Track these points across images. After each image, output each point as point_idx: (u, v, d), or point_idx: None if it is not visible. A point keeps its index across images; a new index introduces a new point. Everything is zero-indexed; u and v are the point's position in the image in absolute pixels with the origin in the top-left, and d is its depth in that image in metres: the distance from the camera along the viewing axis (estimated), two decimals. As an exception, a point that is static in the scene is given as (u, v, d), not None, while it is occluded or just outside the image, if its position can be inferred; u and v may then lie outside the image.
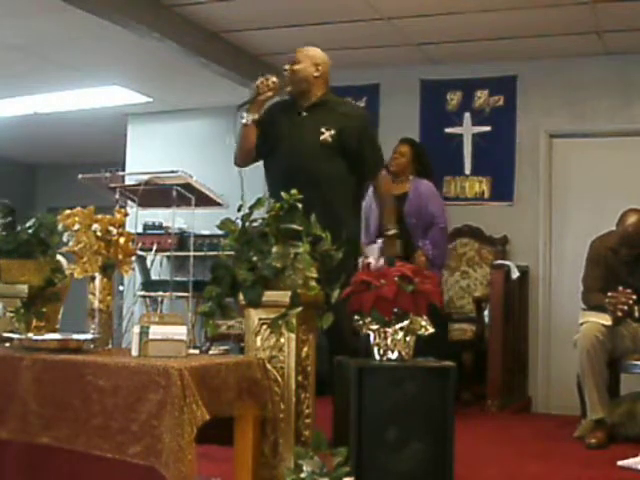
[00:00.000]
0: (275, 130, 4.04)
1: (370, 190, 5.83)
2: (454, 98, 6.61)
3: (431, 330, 3.15)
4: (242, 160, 4.17)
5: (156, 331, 2.64)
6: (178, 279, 6.32)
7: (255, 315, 2.88)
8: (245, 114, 4.01)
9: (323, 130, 3.97)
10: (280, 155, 4.03)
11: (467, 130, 6.56)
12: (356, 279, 3.22)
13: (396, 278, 3.12)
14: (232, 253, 2.92)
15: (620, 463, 3.97)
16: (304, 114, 4.06)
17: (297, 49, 4.15)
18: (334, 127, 3.98)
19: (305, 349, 2.91)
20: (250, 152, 4.11)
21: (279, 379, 2.85)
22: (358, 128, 4.07)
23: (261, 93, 3.97)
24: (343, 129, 4.00)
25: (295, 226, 2.88)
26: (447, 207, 6.31)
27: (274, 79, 3.99)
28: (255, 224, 2.93)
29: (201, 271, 6.29)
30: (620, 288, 4.50)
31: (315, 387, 2.99)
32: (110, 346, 2.89)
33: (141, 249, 6.34)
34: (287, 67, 4.07)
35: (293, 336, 2.84)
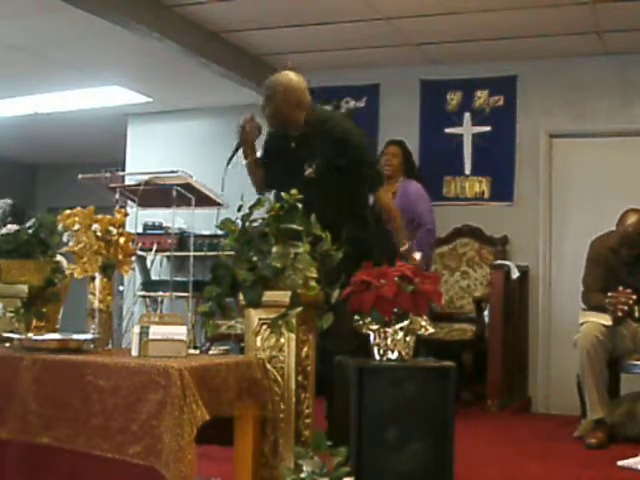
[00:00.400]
0: (272, 159, 4.11)
1: None
2: (454, 98, 6.61)
3: (431, 330, 3.15)
4: (262, 190, 4.22)
5: (156, 331, 2.64)
6: (178, 279, 6.32)
7: (255, 315, 2.88)
8: (242, 160, 4.12)
9: (305, 167, 3.98)
10: (281, 188, 4.05)
11: (467, 130, 6.56)
12: (356, 279, 3.22)
13: (396, 278, 3.12)
14: (232, 253, 2.92)
15: (620, 463, 3.97)
16: (292, 145, 4.06)
17: (268, 88, 4.04)
18: (316, 160, 3.96)
19: (305, 349, 2.91)
20: (264, 182, 4.18)
21: (279, 379, 2.85)
22: (343, 148, 3.98)
23: (246, 139, 4.07)
24: (326, 158, 3.96)
25: (295, 226, 2.88)
26: (447, 207, 6.35)
27: (256, 122, 4.05)
28: (255, 224, 2.93)
29: (201, 271, 6.29)
30: (620, 288, 4.50)
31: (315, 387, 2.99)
32: (110, 346, 2.89)
33: (141, 249, 6.34)
34: (267, 116, 4.05)
35: (293, 336, 2.84)
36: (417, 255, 5.17)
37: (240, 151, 4.14)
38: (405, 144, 5.79)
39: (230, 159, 4.11)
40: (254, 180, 4.20)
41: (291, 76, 4.04)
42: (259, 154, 4.19)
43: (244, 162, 4.11)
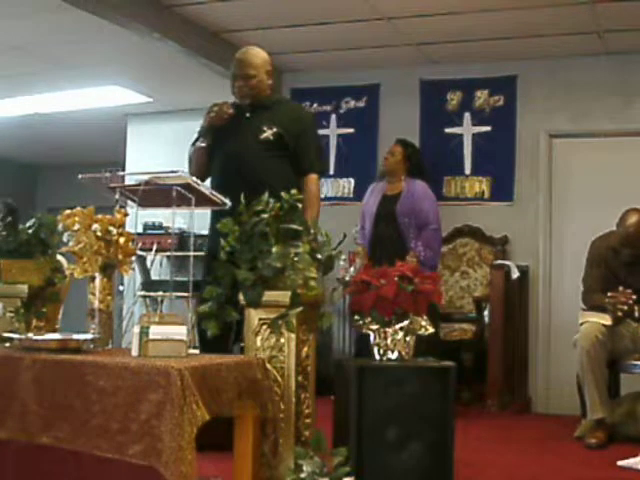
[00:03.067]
0: (221, 134, 4.05)
1: (369, 189, 5.86)
2: (454, 98, 6.61)
3: (431, 330, 3.15)
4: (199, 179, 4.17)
5: (156, 331, 2.64)
6: (178, 279, 6.31)
7: (255, 315, 2.88)
8: (200, 139, 4.09)
9: (265, 128, 3.97)
10: (220, 157, 4.04)
11: (467, 130, 6.56)
12: (356, 279, 3.22)
13: (396, 278, 3.12)
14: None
15: (620, 463, 3.97)
16: (247, 115, 4.06)
17: (242, 58, 4.11)
18: (277, 126, 3.98)
19: (305, 349, 2.91)
20: (206, 171, 4.09)
21: (279, 379, 2.85)
22: (300, 129, 4.05)
23: (216, 122, 4.03)
24: (286, 129, 3.99)
25: (295, 226, 2.88)
26: (447, 207, 6.35)
27: (229, 108, 4.02)
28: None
29: (201, 271, 6.28)
30: (620, 288, 4.50)
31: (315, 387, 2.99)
32: (110, 346, 2.89)
33: (141, 249, 6.34)
34: (242, 84, 4.06)
35: (293, 336, 2.84)
36: (414, 259, 5.20)
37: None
38: (408, 143, 5.77)
39: (195, 141, 4.11)
40: (197, 167, 4.10)
41: (261, 49, 4.17)
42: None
43: (202, 145, 4.06)
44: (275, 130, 3.97)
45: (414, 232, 5.36)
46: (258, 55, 4.13)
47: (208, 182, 4.06)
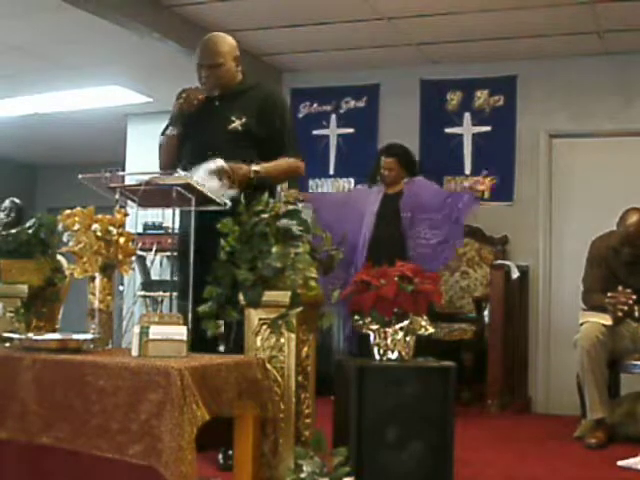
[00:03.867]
0: (191, 122, 3.90)
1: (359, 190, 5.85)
2: (454, 98, 6.61)
3: (431, 330, 3.16)
4: (169, 168, 3.97)
5: (156, 331, 2.64)
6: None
7: (255, 315, 2.88)
8: (170, 128, 3.93)
9: (233, 118, 3.82)
10: (189, 146, 3.90)
11: (467, 130, 6.56)
12: (356, 279, 3.22)
13: (396, 278, 3.12)
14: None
15: (620, 463, 3.97)
16: (217, 103, 3.90)
17: (206, 46, 3.91)
18: (246, 115, 3.83)
19: (305, 349, 2.91)
20: (175, 161, 3.95)
21: (279, 379, 2.85)
22: (272, 116, 3.88)
23: (185, 109, 3.87)
24: (257, 118, 3.84)
25: (295, 226, 2.88)
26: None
27: (199, 94, 3.86)
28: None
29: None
30: (620, 288, 4.50)
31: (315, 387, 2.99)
32: (110, 346, 2.89)
33: (141, 249, 6.33)
34: (208, 74, 3.87)
35: (293, 336, 2.84)
36: None
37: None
38: (398, 151, 5.66)
39: (165, 130, 3.95)
40: (167, 156, 3.95)
41: (224, 34, 3.97)
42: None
43: (172, 133, 3.90)
44: (244, 120, 3.82)
45: (414, 226, 5.36)
46: (224, 42, 3.90)
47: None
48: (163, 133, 3.99)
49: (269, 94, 4.01)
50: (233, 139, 3.82)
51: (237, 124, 3.83)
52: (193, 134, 3.89)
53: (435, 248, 5.34)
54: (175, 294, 3.54)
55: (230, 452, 3.15)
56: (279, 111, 3.95)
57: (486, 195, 6.48)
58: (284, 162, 3.85)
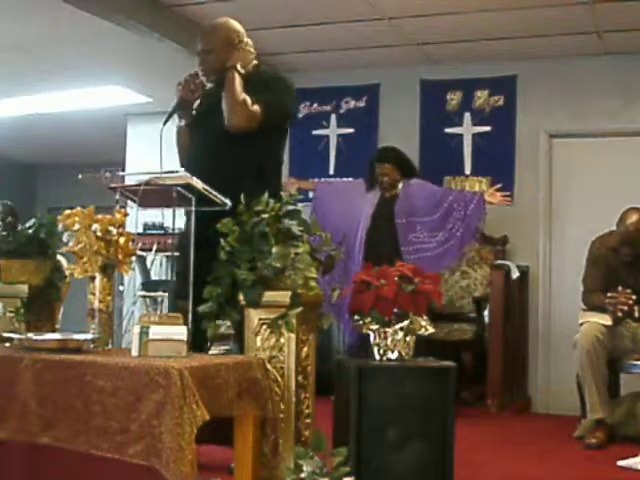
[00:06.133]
0: (197, 116, 3.79)
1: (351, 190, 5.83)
2: (454, 98, 6.61)
3: (431, 330, 3.15)
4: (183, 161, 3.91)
5: (156, 331, 2.64)
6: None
7: (255, 315, 2.88)
8: (177, 121, 3.80)
9: None
10: (195, 140, 3.79)
11: (467, 130, 6.56)
12: (356, 278, 3.22)
13: (396, 278, 3.12)
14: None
15: (620, 463, 3.97)
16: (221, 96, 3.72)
17: (201, 31, 3.84)
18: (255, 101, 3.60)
19: (305, 349, 2.91)
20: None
21: (279, 379, 2.85)
22: (281, 102, 3.68)
23: (185, 99, 3.75)
24: (264, 106, 3.60)
25: (295, 226, 2.88)
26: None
27: (199, 79, 3.74)
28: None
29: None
30: (620, 288, 4.50)
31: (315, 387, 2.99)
32: (110, 346, 2.89)
33: (141, 249, 6.33)
34: (199, 61, 3.79)
35: (293, 336, 2.84)
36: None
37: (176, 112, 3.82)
38: (395, 157, 5.59)
39: (167, 120, 3.74)
40: (184, 150, 3.83)
41: (228, 19, 3.85)
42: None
43: (180, 124, 3.78)
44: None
45: (404, 235, 5.34)
46: (217, 27, 3.79)
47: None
48: (165, 123, 3.74)
49: (270, 79, 3.79)
50: (233, 137, 3.66)
51: None
52: (196, 128, 3.78)
53: (435, 250, 5.33)
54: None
55: None
56: (271, 89, 3.69)
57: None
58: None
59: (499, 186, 5.66)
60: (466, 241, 5.43)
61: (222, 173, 3.49)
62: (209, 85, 3.81)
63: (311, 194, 5.90)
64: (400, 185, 5.53)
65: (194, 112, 3.83)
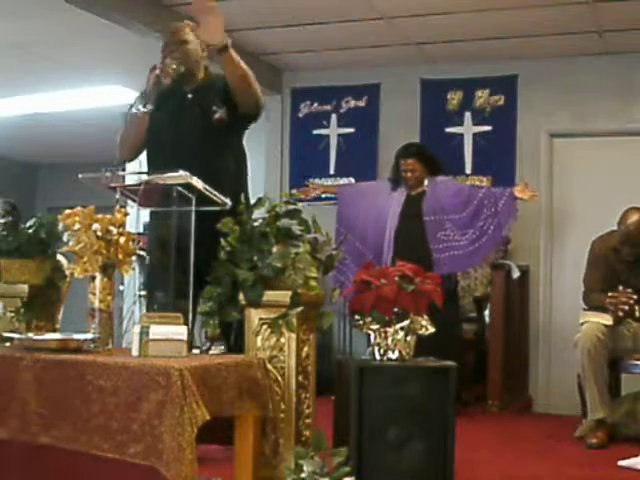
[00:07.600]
0: (159, 117, 3.75)
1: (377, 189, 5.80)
2: (455, 98, 6.61)
3: (431, 330, 3.15)
4: (131, 153, 3.96)
5: (156, 331, 2.64)
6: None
7: (255, 315, 2.88)
8: (141, 105, 3.68)
9: (215, 108, 3.71)
10: (164, 143, 3.77)
11: (468, 130, 6.56)
12: (356, 278, 3.22)
13: (396, 278, 3.12)
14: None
15: (621, 463, 3.97)
16: (189, 96, 3.80)
17: (175, 27, 3.92)
18: (221, 105, 3.71)
19: (305, 349, 2.91)
20: (141, 144, 3.85)
21: (279, 379, 2.85)
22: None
23: (159, 82, 3.69)
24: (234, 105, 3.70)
25: (295, 226, 2.88)
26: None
27: (174, 66, 3.73)
28: (255, 224, 2.93)
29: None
30: (621, 288, 4.50)
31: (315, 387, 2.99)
32: (110, 346, 2.89)
33: (141, 249, 6.32)
34: (173, 49, 3.82)
35: (293, 336, 2.84)
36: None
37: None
38: (420, 152, 5.60)
39: (133, 105, 3.71)
40: (134, 137, 3.81)
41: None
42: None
43: (143, 110, 3.67)
44: (224, 110, 3.71)
45: (433, 232, 5.33)
46: (186, 24, 3.92)
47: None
48: (131, 107, 3.73)
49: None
50: (217, 132, 3.72)
51: (221, 113, 3.72)
52: (167, 133, 3.76)
53: (466, 248, 5.32)
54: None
55: None
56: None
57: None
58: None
59: (527, 181, 5.59)
60: (498, 238, 5.42)
61: (203, 168, 3.41)
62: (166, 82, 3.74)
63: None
64: (426, 182, 5.50)
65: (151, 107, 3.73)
